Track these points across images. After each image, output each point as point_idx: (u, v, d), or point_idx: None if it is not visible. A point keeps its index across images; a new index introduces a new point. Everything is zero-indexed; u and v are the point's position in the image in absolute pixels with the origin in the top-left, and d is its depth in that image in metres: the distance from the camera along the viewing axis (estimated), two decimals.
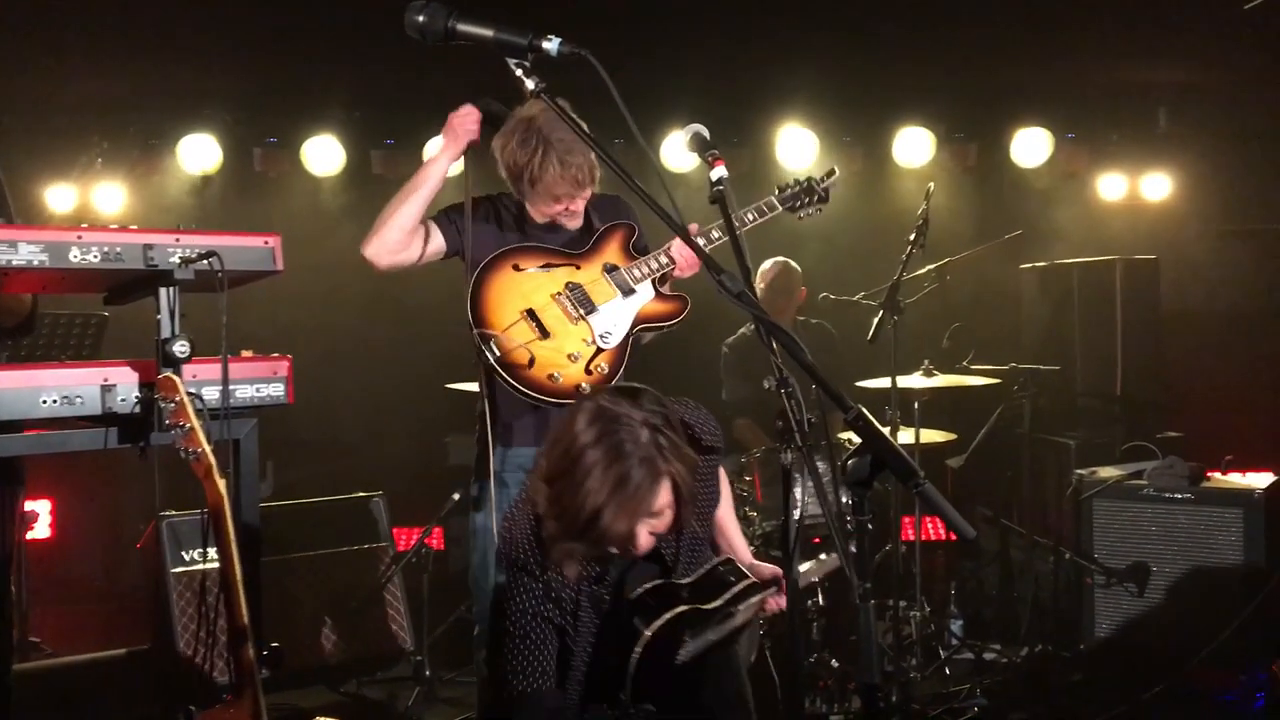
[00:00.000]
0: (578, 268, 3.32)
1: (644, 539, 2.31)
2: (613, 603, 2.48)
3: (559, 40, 2.00)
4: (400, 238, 3.24)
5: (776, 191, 3.58)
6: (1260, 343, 6.57)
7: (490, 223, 3.37)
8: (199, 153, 6.27)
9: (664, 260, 3.32)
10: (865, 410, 1.88)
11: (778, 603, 2.75)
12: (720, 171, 2.52)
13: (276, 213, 6.52)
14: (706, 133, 2.68)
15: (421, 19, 2.04)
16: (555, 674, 2.44)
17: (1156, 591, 4.73)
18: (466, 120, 3.26)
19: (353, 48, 5.67)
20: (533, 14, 2.23)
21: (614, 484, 2.18)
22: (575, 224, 3.40)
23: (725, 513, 2.91)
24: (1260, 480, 4.83)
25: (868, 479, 1.88)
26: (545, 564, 2.40)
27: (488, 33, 2.02)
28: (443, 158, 3.30)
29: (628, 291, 3.31)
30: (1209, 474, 4.83)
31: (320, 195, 6.64)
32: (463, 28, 2.03)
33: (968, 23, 5.84)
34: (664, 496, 2.26)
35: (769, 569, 2.79)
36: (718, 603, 2.53)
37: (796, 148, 6.49)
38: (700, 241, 3.27)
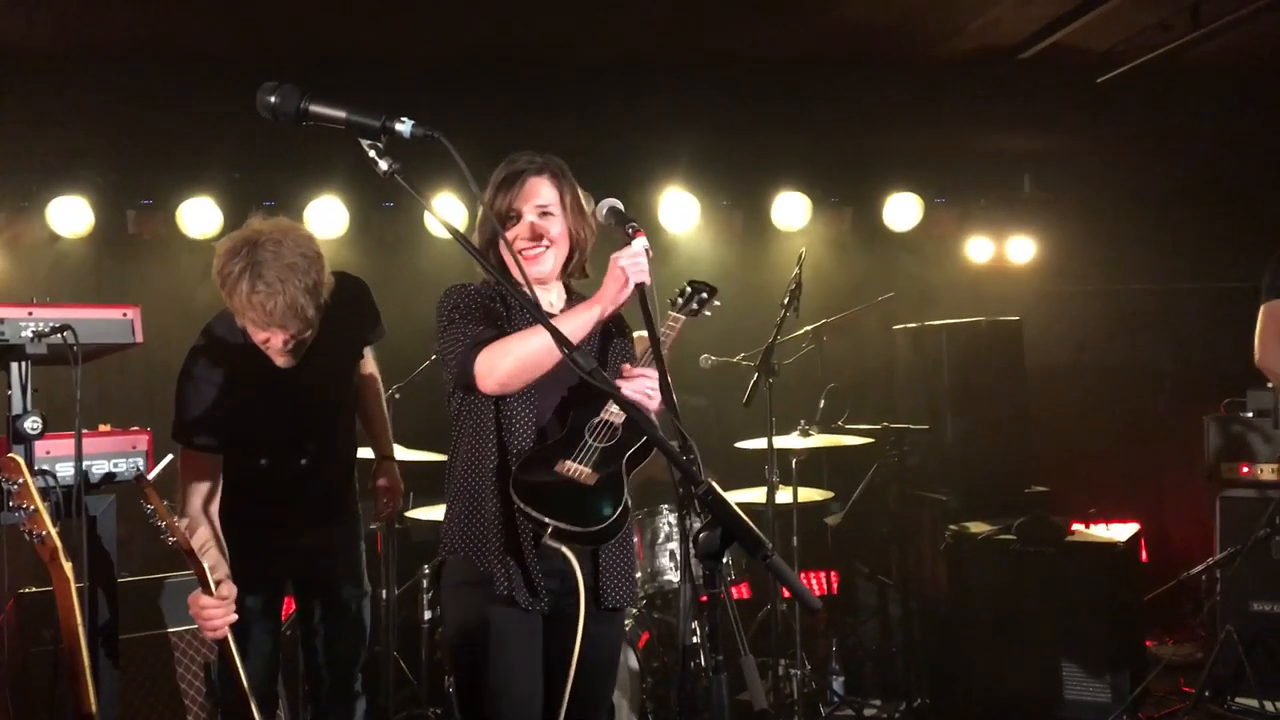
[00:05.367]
0: None
1: (539, 221, 2.83)
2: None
3: (412, 122, 2.01)
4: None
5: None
6: (1121, 399, 6.86)
7: None
8: (70, 215, 6.07)
9: None
10: (715, 484, 1.92)
11: (648, 398, 2.64)
12: (641, 242, 2.56)
13: (151, 277, 6.35)
14: (622, 206, 2.70)
15: (274, 100, 2.02)
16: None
17: (1028, 642, 4.87)
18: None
19: (232, 108, 5.58)
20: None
21: (507, 178, 2.86)
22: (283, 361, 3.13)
23: None
24: (1123, 532, 5.03)
25: (718, 552, 1.92)
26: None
27: (340, 114, 2.02)
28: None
29: None
30: (1074, 526, 5.02)
31: (197, 258, 6.47)
32: (315, 109, 2.02)
33: (840, 91, 6.04)
34: (546, 190, 2.85)
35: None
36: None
37: (679, 211, 6.59)
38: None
